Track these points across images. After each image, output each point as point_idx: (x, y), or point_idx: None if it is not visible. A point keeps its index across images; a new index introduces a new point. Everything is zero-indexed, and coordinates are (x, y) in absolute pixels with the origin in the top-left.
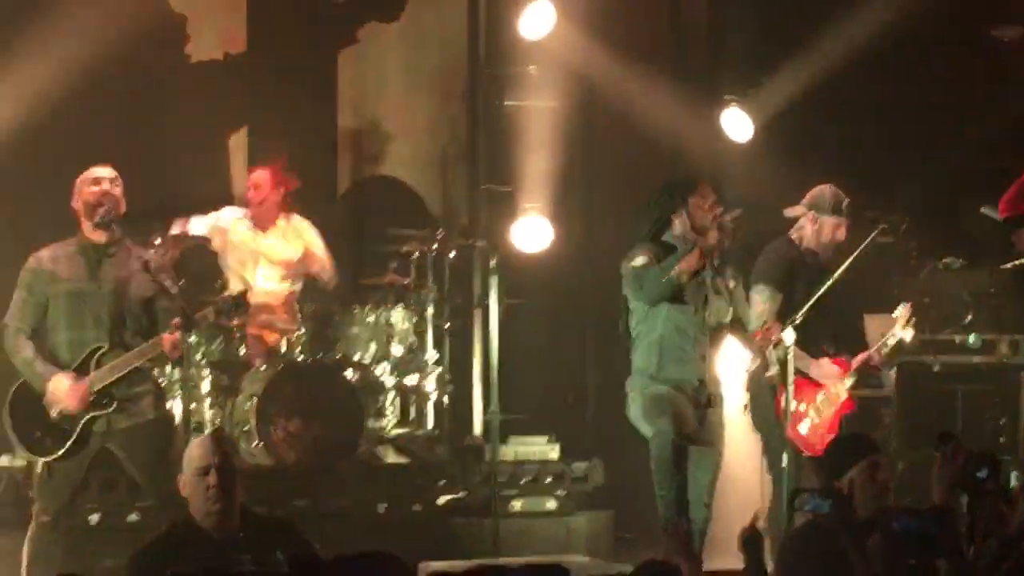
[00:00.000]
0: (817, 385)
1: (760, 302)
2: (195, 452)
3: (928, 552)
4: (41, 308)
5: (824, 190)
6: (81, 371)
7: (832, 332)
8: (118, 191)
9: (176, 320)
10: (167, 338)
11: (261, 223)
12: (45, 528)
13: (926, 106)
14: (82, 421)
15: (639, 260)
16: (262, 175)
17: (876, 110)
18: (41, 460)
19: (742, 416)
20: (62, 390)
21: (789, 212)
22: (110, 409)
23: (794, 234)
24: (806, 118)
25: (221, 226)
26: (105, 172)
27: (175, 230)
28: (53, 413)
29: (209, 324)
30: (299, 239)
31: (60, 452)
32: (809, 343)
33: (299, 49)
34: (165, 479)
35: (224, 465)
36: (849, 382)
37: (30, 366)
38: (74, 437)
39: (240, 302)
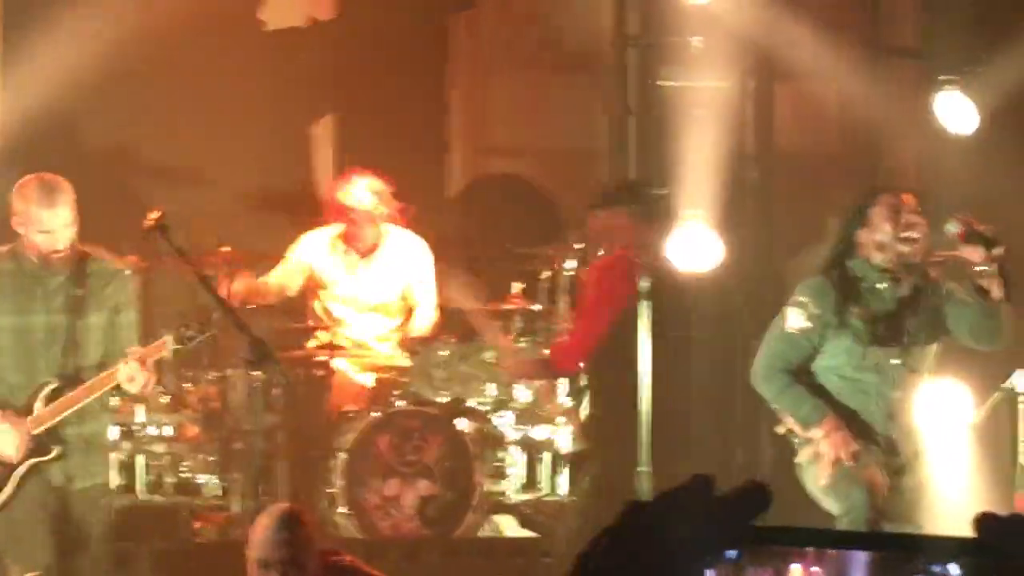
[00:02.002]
0: None
1: None
2: (257, 537)
3: None
4: None
5: None
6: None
7: None
8: (37, 225)
9: (133, 348)
10: (123, 368)
11: (358, 246)
12: None
13: None
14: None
15: (794, 320)
16: (369, 186)
17: None
18: None
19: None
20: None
21: None
22: (51, 455)
23: None
24: None
25: (304, 262)
26: (18, 201)
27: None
28: None
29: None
30: (404, 270)
31: None
32: None
33: (400, 16)
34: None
35: (290, 560)
36: None
37: None
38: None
39: (262, 352)
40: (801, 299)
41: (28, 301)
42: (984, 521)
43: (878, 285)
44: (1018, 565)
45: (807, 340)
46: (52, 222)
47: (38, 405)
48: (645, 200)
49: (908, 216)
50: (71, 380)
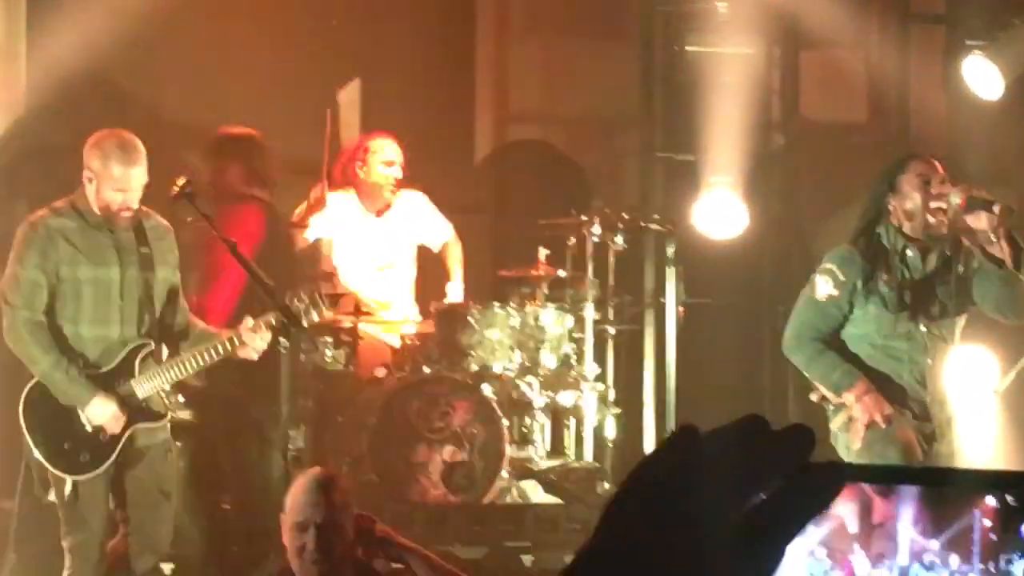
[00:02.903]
0: None
1: None
2: (294, 500)
3: None
4: None
5: None
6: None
7: None
8: (110, 183)
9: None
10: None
11: (374, 204)
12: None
13: None
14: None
15: (823, 287)
16: (390, 148)
17: None
18: (71, 479)
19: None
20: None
21: None
22: (161, 422)
23: None
24: None
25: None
26: (94, 157)
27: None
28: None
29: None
30: (415, 219)
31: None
32: None
33: None
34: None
35: (328, 522)
36: None
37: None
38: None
39: (289, 318)
40: (829, 267)
41: (101, 255)
42: None
43: (907, 253)
44: None
45: (836, 308)
46: (129, 181)
47: (137, 367)
48: (259, 153)
49: (938, 185)
50: (151, 337)
